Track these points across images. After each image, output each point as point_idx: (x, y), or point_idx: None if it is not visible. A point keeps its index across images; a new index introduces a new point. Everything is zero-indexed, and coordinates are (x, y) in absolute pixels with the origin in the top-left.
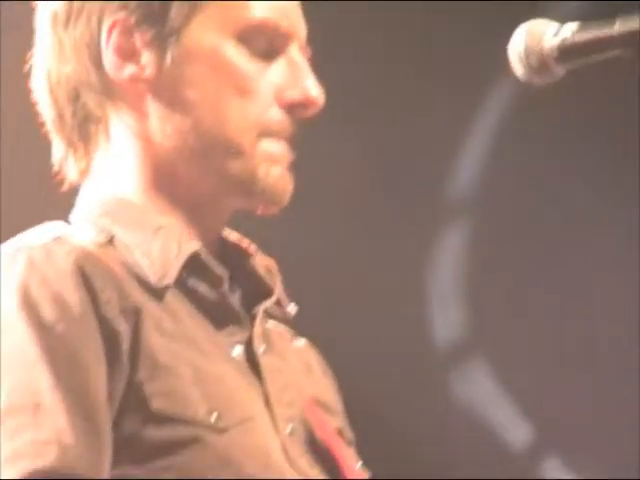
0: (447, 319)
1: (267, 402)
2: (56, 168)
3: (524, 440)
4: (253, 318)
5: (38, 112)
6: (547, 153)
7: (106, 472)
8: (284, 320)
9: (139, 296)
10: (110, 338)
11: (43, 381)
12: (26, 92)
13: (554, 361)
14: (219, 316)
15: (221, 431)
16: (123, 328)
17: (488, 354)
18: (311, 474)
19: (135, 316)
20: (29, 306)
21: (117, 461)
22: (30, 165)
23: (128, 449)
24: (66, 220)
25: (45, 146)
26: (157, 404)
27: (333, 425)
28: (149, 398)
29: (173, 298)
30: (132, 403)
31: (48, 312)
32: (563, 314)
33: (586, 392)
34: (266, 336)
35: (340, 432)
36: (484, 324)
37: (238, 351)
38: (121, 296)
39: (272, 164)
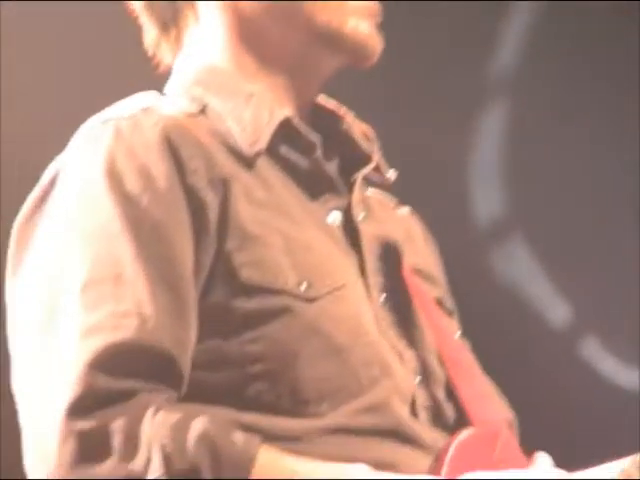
0: (488, 198)
1: (362, 270)
2: (150, 53)
3: (563, 319)
4: (351, 186)
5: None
6: (589, 33)
7: (190, 345)
8: (384, 187)
9: (229, 165)
10: (197, 209)
11: (125, 252)
12: None
13: (594, 241)
14: (313, 184)
15: (311, 300)
16: (210, 198)
17: (527, 232)
18: (400, 346)
19: (223, 186)
20: (114, 178)
21: (205, 334)
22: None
23: (217, 321)
24: None
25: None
26: (246, 274)
27: (432, 294)
28: (238, 268)
29: (265, 166)
30: (221, 274)
31: (133, 184)
32: (603, 193)
33: (626, 273)
34: (365, 203)
35: (439, 301)
36: (524, 203)
37: (334, 217)
38: (209, 166)
39: (361, 19)
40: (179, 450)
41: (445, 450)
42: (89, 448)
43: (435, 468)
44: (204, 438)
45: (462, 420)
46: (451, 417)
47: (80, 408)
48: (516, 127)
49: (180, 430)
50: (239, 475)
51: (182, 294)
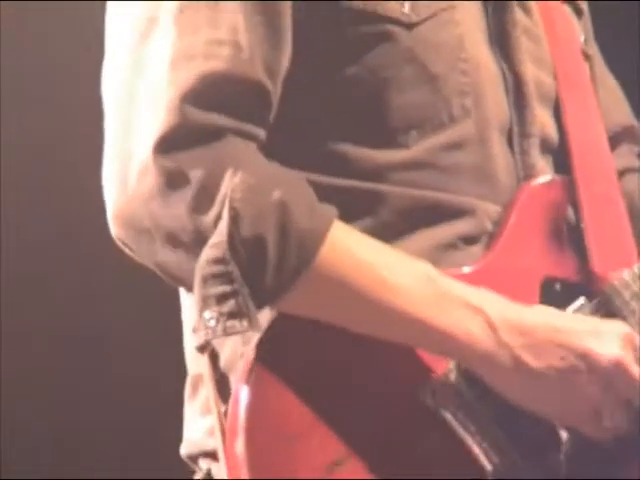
0: None
1: None
2: None
3: None
4: None
5: None
6: None
7: (282, 73)
8: None
9: None
10: None
11: None
12: None
13: None
14: None
15: (411, 26)
16: None
17: None
18: (509, 64)
19: None
20: None
21: (302, 63)
22: None
23: (315, 46)
24: None
25: None
26: None
27: None
28: None
29: None
30: None
31: None
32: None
33: None
34: None
35: None
36: None
37: None
38: None
39: None
40: (250, 215)
41: (517, 198)
42: (165, 188)
43: (505, 212)
44: (278, 208)
45: (564, 144)
46: (554, 141)
47: (167, 144)
48: None
49: (256, 195)
50: (304, 254)
51: (280, 19)
